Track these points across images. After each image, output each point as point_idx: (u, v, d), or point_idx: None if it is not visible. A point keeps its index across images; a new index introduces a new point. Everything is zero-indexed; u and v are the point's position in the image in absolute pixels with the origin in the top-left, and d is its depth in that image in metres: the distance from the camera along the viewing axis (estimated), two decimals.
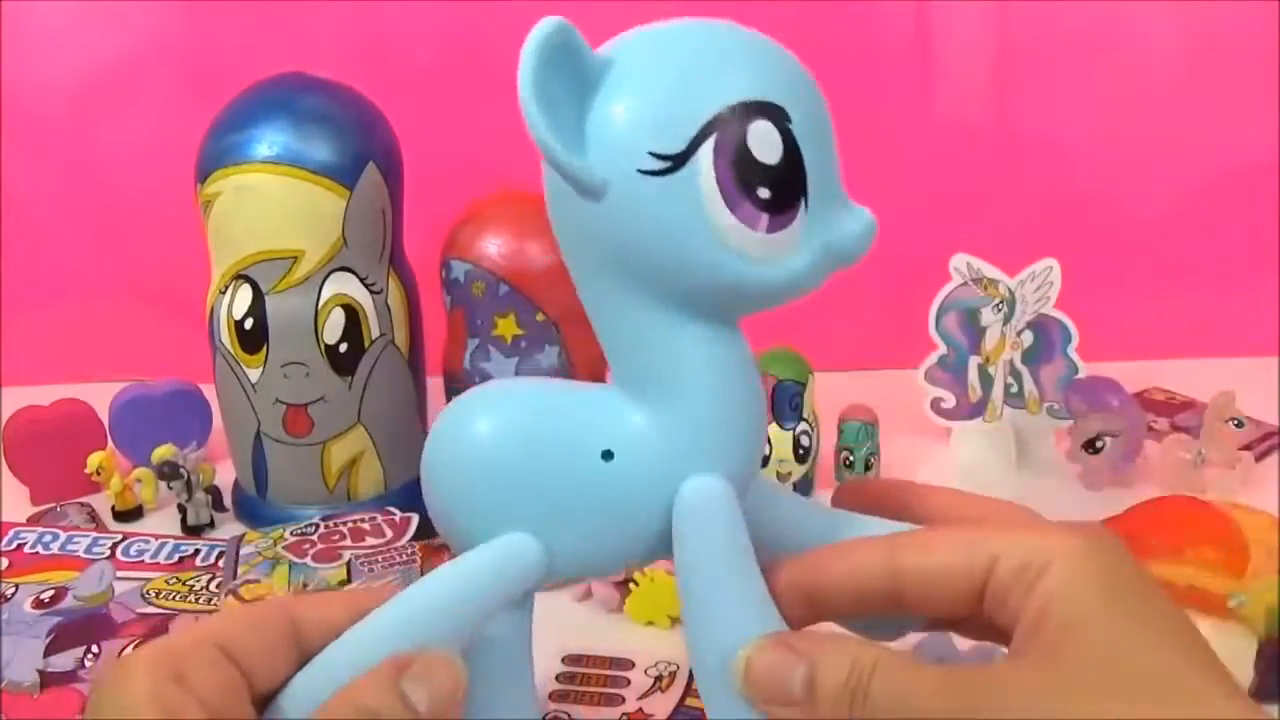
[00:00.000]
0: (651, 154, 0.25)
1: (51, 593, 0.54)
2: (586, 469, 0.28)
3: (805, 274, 0.26)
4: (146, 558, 0.59)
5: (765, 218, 0.25)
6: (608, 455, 0.28)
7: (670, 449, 0.28)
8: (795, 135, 0.25)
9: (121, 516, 0.64)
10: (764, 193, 0.25)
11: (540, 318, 0.58)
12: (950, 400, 0.69)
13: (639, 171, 0.25)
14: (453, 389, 0.61)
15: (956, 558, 0.26)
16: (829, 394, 0.65)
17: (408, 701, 0.24)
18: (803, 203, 0.26)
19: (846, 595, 0.27)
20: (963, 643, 0.37)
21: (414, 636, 0.26)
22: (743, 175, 0.25)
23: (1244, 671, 0.44)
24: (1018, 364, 0.67)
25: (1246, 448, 0.65)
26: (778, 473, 0.62)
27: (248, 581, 0.53)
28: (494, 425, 0.29)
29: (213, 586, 0.55)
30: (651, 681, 0.47)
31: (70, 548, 0.59)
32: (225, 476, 0.65)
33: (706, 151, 0.25)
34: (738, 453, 0.28)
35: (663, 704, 0.46)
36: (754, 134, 0.25)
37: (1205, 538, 0.48)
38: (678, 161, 0.25)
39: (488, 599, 0.28)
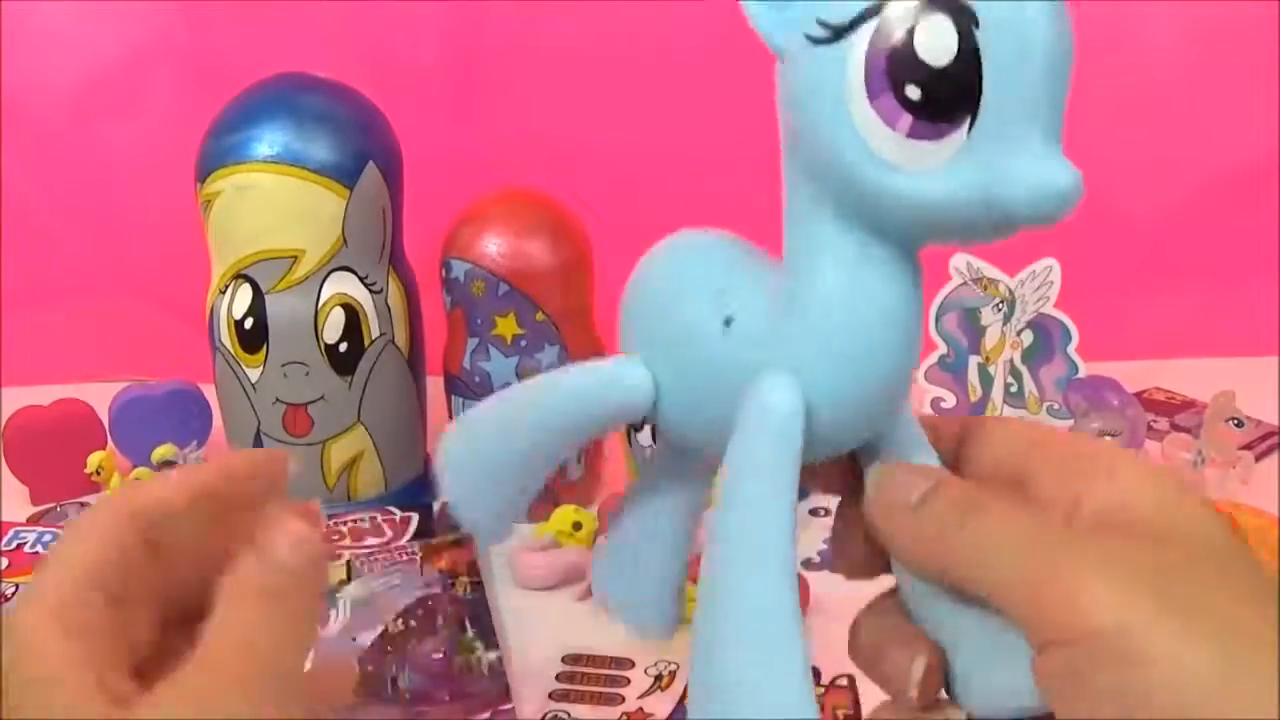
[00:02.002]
0: (819, 21, 0.23)
1: None
2: (704, 324, 0.27)
3: (941, 202, 0.23)
4: None
5: (908, 119, 0.22)
6: (728, 322, 0.27)
7: (780, 349, 0.26)
8: (980, 43, 0.22)
9: None
10: (913, 91, 0.22)
11: (540, 318, 0.58)
12: (950, 400, 0.69)
13: (806, 37, 0.23)
14: (453, 389, 0.61)
15: (1082, 463, 0.25)
16: None
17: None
18: (968, 121, 0.22)
19: (985, 461, 0.27)
20: None
21: (513, 434, 0.29)
22: (895, 66, 0.22)
23: None
24: (1018, 364, 0.68)
25: (1246, 447, 0.65)
26: None
27: None
28: (660, 253, 0.30)
29: None
30: (651, 681, 0.47)
31: None
32: None
33: (867, 30, 0.22)
34: (848, 390, 0.26)
35: (663, 703, 0.46)
36: (925, 28, 0.22)
37: None
38: (838, 33, 0.23)
39: (593, 412, 0.29)
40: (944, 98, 0.22)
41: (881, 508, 0.26)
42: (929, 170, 0.23)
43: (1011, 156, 0.22)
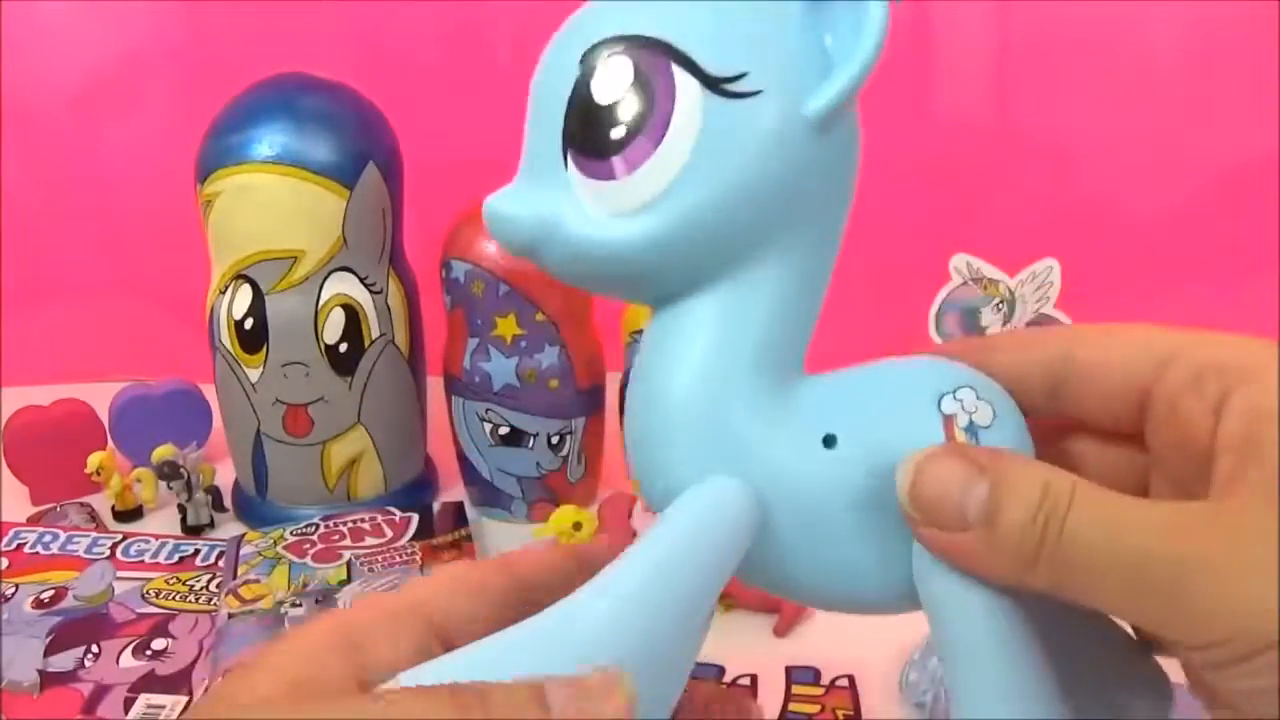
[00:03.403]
0: None
1: (51, 593, 0.54)
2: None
3: None
4: (146, 558, 0.59)
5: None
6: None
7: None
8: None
9: (121, 516, 0.64)
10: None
11: (540, 318, 0.58)
12: None
13: None
14: (453, 389, 0.61)
15: (1130, 350, 0.22)
16: None
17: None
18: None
19: (1007, 377, 0.24)
20: None
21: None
22: None
23: None
24: None
25: None
26: None
27: (248, 581, 0.53)
28: None
29: (213, 586, 0.55)
30: None
31: (70, 548, 0.59)
32: (225, 476, 0.65)
33: None
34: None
35: None
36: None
37: None
38: None
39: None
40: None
41: (927, 511, 0.21)
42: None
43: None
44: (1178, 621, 0.19)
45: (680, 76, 0.21)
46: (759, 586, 0.24)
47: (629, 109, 0.22)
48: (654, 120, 0.21)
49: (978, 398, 0.23)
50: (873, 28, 0.21)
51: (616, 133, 0.22)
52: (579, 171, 0.22)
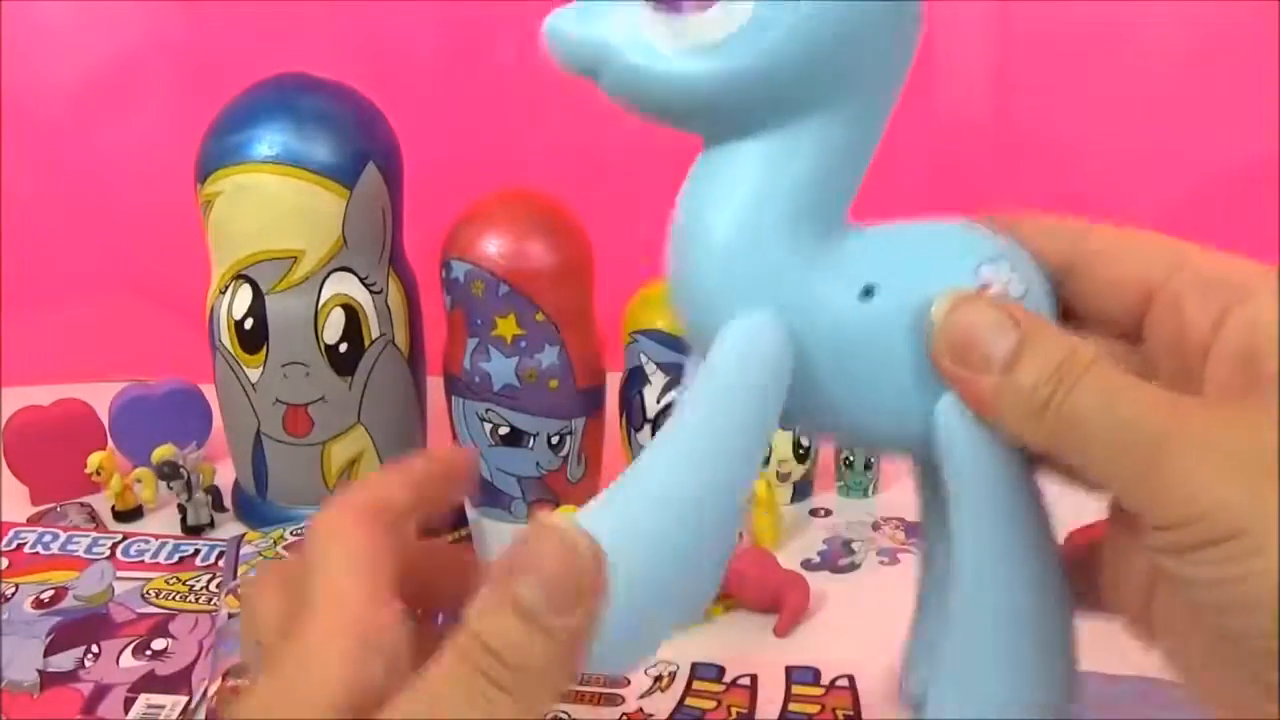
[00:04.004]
0: None
1: (51, 593, 0.54)
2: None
3: None
4: (146, 558, 0.59)
5: None
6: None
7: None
8: None
9: (121, 516, 0.64)
10: None
11: (540, 318, 0.58)
12: None
13: None
14: (453, 389, 0.61)
15: (1143, 250, 0.24)
16: None
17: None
18: None
19: (1111, 276, 0.25)
20: None
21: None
22: None
23: None
24: None
25: None
26: (778, 472, 0.62)
27: (248, 581, 0.53)
28: None
29: (213, 586, 0.55)
30: (651, 681, 0.47)
31: (70, 548, 0.59)
32: (225, 476, 0.65)
33: None
34: None
35: (663, 704, 0.46)
36: None
37: None
38: None
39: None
40: None
41: (955, 347, 0.23)
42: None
43: None
44: (1153, 496, 0.20)
45: None
46: (782, 423, 0.25)
47: None
48: None
49: (1012, 270, 0.24)
50: None
51: None
52: (648, 1, 0.23)
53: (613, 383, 0.62)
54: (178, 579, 0.56)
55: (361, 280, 0.58)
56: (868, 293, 0.24)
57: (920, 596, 0.28)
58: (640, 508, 0.22)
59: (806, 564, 0.57)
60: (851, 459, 0.64)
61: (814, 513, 0.63)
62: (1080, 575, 0.25)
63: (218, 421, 0.66)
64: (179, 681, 0.48)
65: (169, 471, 0.62)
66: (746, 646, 0.50)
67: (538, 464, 0.61)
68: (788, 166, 0.23)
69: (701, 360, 0.24)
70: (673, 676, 0.47)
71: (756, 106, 0.23)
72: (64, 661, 0.49)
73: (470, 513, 0.61)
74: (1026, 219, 0.26)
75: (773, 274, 0.23)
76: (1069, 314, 0.26)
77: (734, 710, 0.45)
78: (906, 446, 0.25)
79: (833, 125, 0.23)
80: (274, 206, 0.56)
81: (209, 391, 0.65)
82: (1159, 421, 0.20)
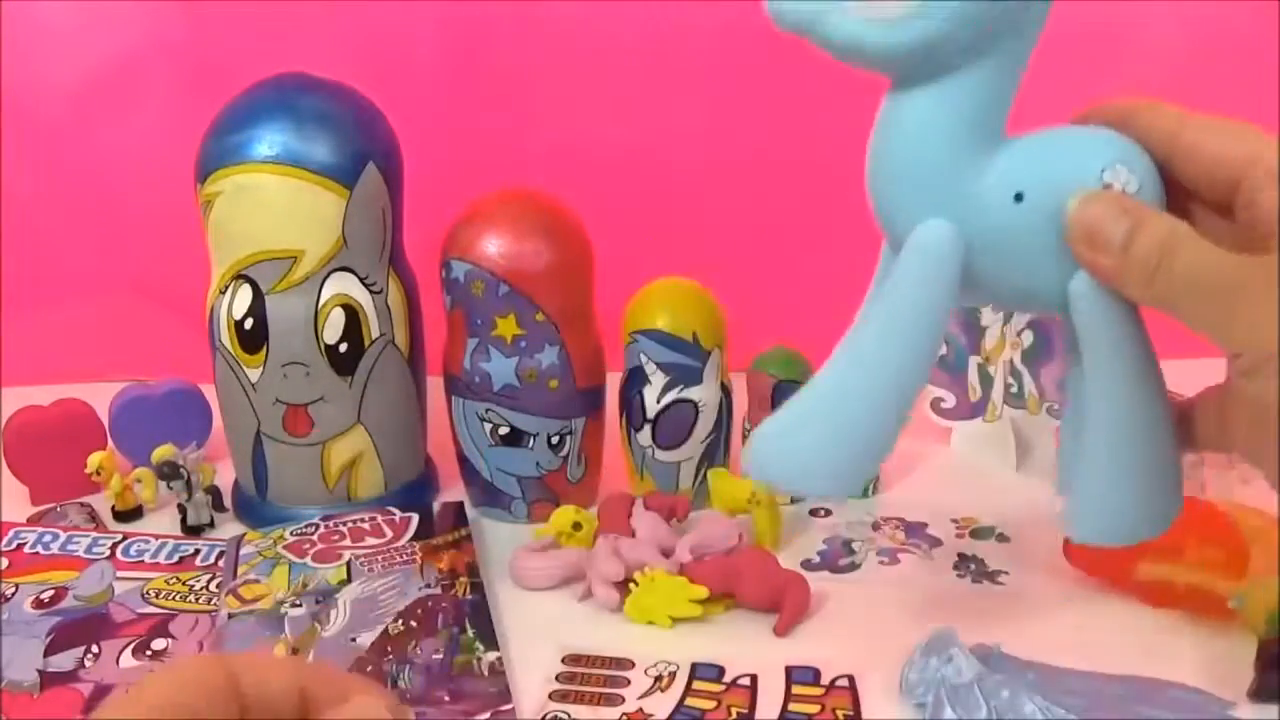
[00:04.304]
0: None
1: (51, 593, 0.54)
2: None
3: None
4: (146, 558, 0.59)
5: None
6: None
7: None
8: None
9: (121, 516, 0.64)
10: None
11: (540, 318, 0.58)
12: (950, 400, 0.69)
13: None
14: (453, 389, 0.61)
15: (1227, 143, 0.31)
16: None
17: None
18: None
19: (1203, 160, 0.31)
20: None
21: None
22: None
23: (1244, 671, 0.44)
24: (1018, 364, 0.67)
25: None
26: None
27: (248, 581, 0.53)
28: None
29: (213, 586, 0.55)
30: (651, 681, 0.47)
31: (70, 548, 0.59)
32: (225, 476, 0.65)
33: None
34: None
35: (663, 704, 0.45)
36: None
37: (1205, 538, 0.48)
38: None
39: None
40: None
41: (1085, 234, 0.30)
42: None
43: None
44: (1228, 329, 0.29)
45: None
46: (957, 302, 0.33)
47: None
48: None
49: (1130, 171, 0.31)
50: None
51: None
52: None
53: (613, 383, 0.62)
54: (178, 579, 0.56)
55: (361, 280, 0.58)
56: (1018, 198, 0.31)
57: (1061, 438, 0.37)
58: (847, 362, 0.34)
59: (806, 564, 0.57)
60: None
61: (814, 513, 0.63)
62: (1179, 424, 0.34)
63: (218, 421, 0.66)
64: None
65: (169, 471, 0.62)
66: (746, 646, 0.50)
67: (538, 464, 0.61)
68: (964, 100, 0.30)
69: (894, 256, 0.32)
70: (673, 676, 0.47)
71: (937, 61, 0.30)
72: (64, 661, 0.49)
73: (470, 512, 0.61)
74: (1141, 107, 0.33)
75: (948, 186, 0.31)
76: (1176, 193, 0.32)
77: (734, 710, 0.45)
78: (1050, 310, 0.33)
79: (994, 66, 0.30)
80: (274, 206, 0.56)
81: (209, 391, 0.65)
82: (1236, 276, 0.28)
